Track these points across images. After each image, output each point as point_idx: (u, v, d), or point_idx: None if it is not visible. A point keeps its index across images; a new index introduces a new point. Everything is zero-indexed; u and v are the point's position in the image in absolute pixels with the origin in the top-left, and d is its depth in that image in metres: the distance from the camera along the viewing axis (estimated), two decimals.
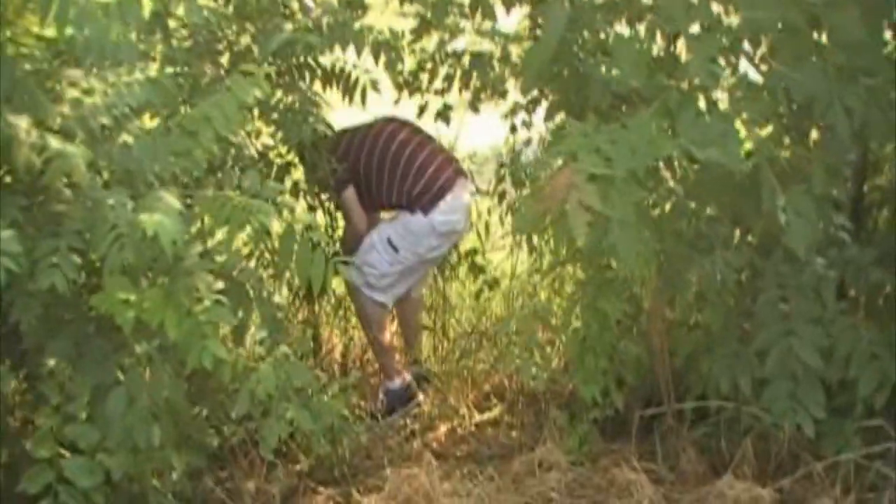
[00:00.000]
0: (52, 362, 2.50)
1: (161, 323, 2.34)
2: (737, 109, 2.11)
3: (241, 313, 2.66)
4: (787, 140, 2.49)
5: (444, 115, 3.81)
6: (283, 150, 3.49)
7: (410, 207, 3.62)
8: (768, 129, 2.44)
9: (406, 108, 3.84)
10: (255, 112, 3.12)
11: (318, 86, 3.45)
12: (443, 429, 3.55)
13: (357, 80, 3.42)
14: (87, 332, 2.54)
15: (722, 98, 2.26)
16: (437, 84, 3.75)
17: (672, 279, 2.57)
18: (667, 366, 2.79)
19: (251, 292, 2.66)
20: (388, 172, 3.63)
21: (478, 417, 3.57)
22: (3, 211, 2.32)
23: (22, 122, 2.33)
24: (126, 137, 2.45)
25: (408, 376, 3.78)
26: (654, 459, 3.02)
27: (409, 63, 3.64)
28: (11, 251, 2.17)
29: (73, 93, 2.43)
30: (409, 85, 3.71)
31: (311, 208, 3.67)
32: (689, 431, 3.05)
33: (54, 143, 2.33)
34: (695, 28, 2.18)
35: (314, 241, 2.52)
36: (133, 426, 2.46)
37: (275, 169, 3.45)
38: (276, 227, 2.51)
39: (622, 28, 2.43)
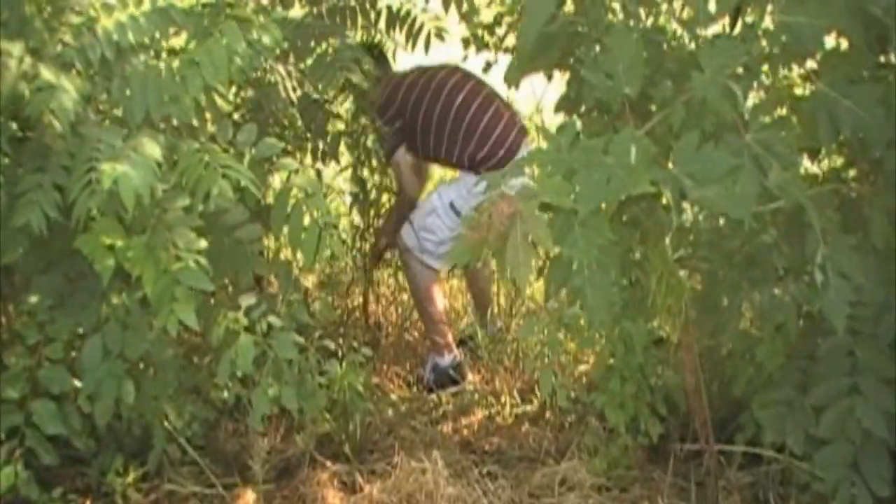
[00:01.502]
0: (34, 299, 2.40)
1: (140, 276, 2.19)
2: (760, 140, 1.58)
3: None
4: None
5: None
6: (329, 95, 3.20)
7: (474, 169, 3.31)
8: (827, 162, 1.90)
9: (473, 64, 3.46)
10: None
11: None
12: (479, 415, 3.27)
13: (422, 25, 3.10)
14: (79, 270, 2.41)
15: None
16: (512, 40, 3.34)
17: (715, 309, 2.11)
18: (703, 403, 2.35)
19: (248, 252, 2.43)
20: (449, 131, 3.30)
21: (518, 409, 3.26)
22: None
23: (14, 49, 2.19)
24: (127, 72, 2.26)
25: (458, 354, 3.50)
26: (690, 499, 2.64)
27: (484, 15, 3.26)
28: None
29: (75, 20, 2.25)
30: (478, 39, 3.32)
31: (356, 165, 3.37)
32: (738, 474, 2.65)
33: (46, 73, 2.18)
34: (715, 28, 1.67)
35: (317, 211, 2.28)
36: (103, 379, 2.34)
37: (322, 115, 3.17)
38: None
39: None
